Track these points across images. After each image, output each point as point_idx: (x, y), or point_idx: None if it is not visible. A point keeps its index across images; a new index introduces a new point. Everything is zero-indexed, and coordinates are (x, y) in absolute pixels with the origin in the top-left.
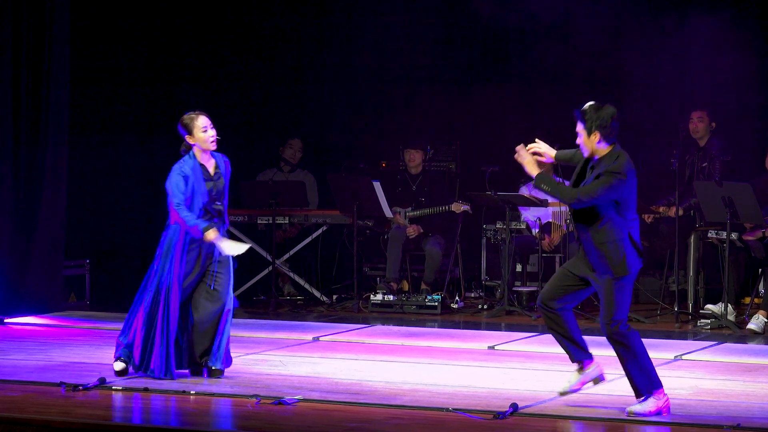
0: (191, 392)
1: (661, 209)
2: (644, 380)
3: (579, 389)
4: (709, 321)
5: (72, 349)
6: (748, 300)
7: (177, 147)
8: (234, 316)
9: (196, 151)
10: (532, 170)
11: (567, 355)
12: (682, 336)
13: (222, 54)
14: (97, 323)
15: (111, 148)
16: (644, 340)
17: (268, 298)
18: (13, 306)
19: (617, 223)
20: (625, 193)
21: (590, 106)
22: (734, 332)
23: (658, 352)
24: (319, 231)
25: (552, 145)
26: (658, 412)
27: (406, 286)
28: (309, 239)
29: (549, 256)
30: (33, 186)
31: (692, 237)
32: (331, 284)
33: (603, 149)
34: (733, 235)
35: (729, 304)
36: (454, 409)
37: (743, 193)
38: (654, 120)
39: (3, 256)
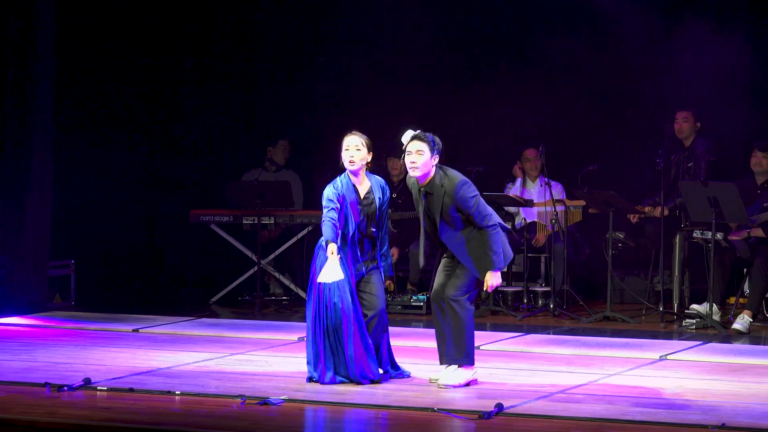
0: (176, 392)
1: (646, 209)
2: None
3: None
4: (694, 321)
5: (57, 350)
6: (733, 300)
7: (162, 147)
8: (219, 317)
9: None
10: (497, 274)
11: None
12: (667, 336)
13: (212, 54)
14: (81, 324)
15: (97, 148)
16: (629, 340)
17: (254, 299)
18: None
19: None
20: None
21: (428, 134)
22: (719, 332)
23: (643, 351)
24: (305, 231)
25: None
26: (467, 384)
27: (391, 286)
28: (294, 239)
29: (534, 256)
30: (18, 187)
31: (677, 237)
32: None
33: (431, 173)
34: (719, 235)
35: (714, 304)
36: (439, 409)
37: (728, 193)
38: (639, 120)
39: None
